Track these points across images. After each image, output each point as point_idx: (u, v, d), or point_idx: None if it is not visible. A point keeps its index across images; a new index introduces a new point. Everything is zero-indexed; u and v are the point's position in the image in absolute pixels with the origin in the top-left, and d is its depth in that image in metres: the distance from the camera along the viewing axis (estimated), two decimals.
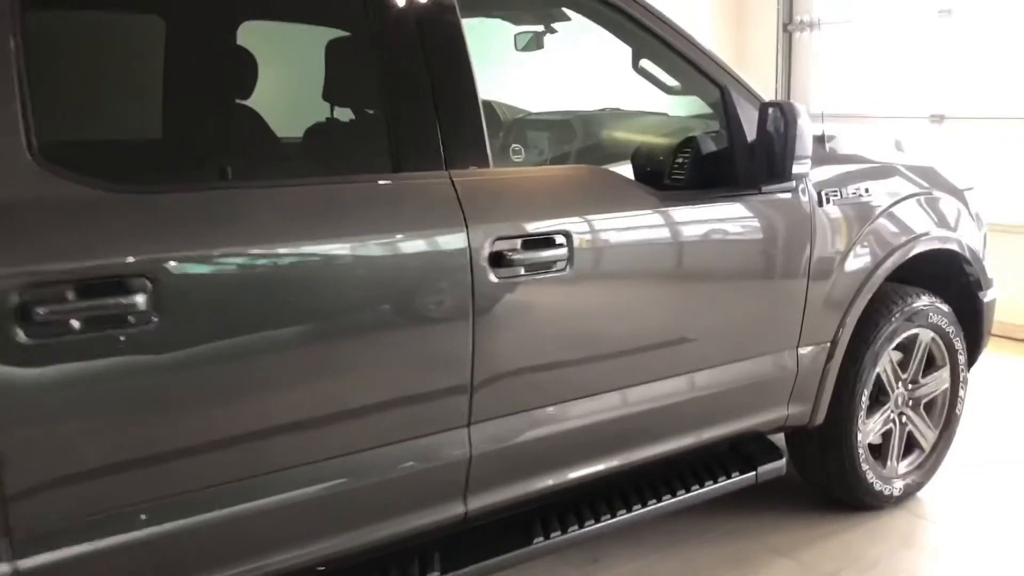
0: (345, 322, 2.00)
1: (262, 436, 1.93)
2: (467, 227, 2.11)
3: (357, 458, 2.07)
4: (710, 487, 2.75)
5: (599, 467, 2.51)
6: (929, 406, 3.36)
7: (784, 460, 2.95)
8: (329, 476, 2.03)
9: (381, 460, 2.11)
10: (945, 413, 3.40)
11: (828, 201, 2.85)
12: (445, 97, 2.16)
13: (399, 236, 2.04)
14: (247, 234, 1.87)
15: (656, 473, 2.73)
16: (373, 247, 2.01)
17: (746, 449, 2.92)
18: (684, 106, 3.19)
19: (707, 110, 2.90)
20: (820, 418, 3.01)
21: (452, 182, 2.14)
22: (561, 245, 2.26)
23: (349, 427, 2.05)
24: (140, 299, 1.72)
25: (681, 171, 2.69)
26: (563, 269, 2.27)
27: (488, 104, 3.44)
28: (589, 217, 2.35)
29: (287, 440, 1.97)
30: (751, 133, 2.61)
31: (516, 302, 2.21)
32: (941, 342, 3.30)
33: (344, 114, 2.52)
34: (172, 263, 1.76)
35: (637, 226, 2.46)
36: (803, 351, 2.89)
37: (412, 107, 2.13)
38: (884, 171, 3.13)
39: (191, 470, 1.86)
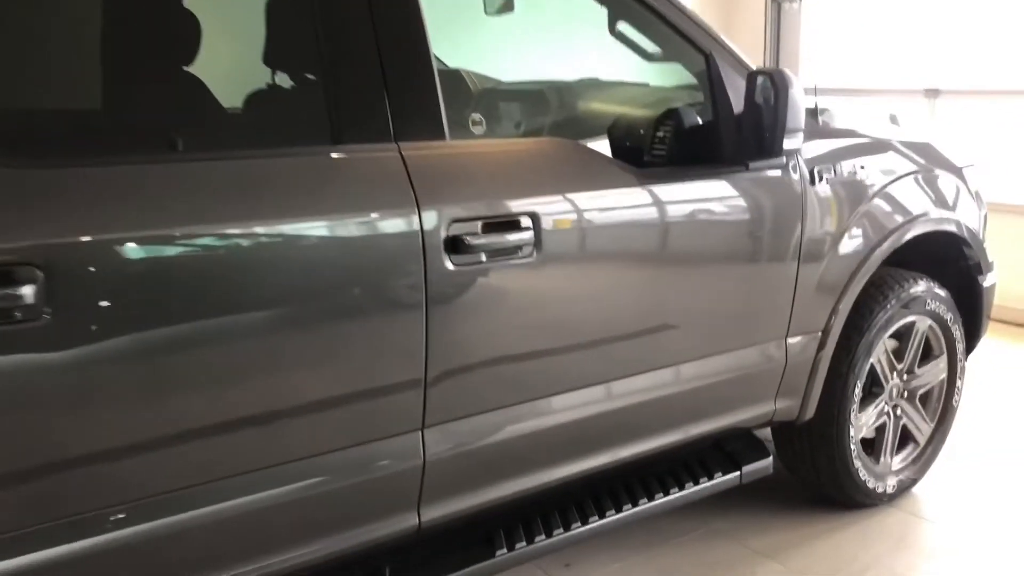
0: (276, 315, 1.77)
1: (176, 444, 1.69)
2: (418, 208, 1.88)
3: (292, 468, 1.84)
4: (691, 489, 2.55)
5: (568, 471, 2.29)
6: (925, 398, 3.17)
7: (771, 459, 2.76)
8: (260, 488, 1.81)
9: (322, 468, 1.88)
10: (941, 405, 3.21)
11: (821, 179, 2.64)
12: (393, 59, 1.92)
13: (337, 218, 1.80)
14: (160, 216, 1.63)
15: (632, 474, 2.52)
16: (307, 230, 1.77)
17: (730, 446, 2.72)
18: (668, 76, 2.96)
19: (692, 80, 2.67)
20: (810, 412, 2.81)
21: (401, 156, 1.90)
22: (527, 228, 2.03)
23: (282, 433, 1.82)
24: (28, 291, 1.48)
25: (662, 146, 2.48)
26: (529, 255, 2.04)
27: (456, 73, 3.22)
28: (559, 196, 2.12)
29: (209, 449, 1.73)
30: (738, 104, 2.39)
31: (476, 293, 1.99)
32: (939, 330, 3.10)
33: (285, 80, 2.27)
34: (68, 249, 1.53)
35: (612, 206, 2.23)
36: (792, 341, 2.68)
37: (354, 69, 1.89)
38: (880, 147, 2.92)
39: (90, 486, 1.63)
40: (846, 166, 2.72)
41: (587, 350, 2.24)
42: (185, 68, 2.14)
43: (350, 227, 1.82)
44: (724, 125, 2.40)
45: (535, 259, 2.05)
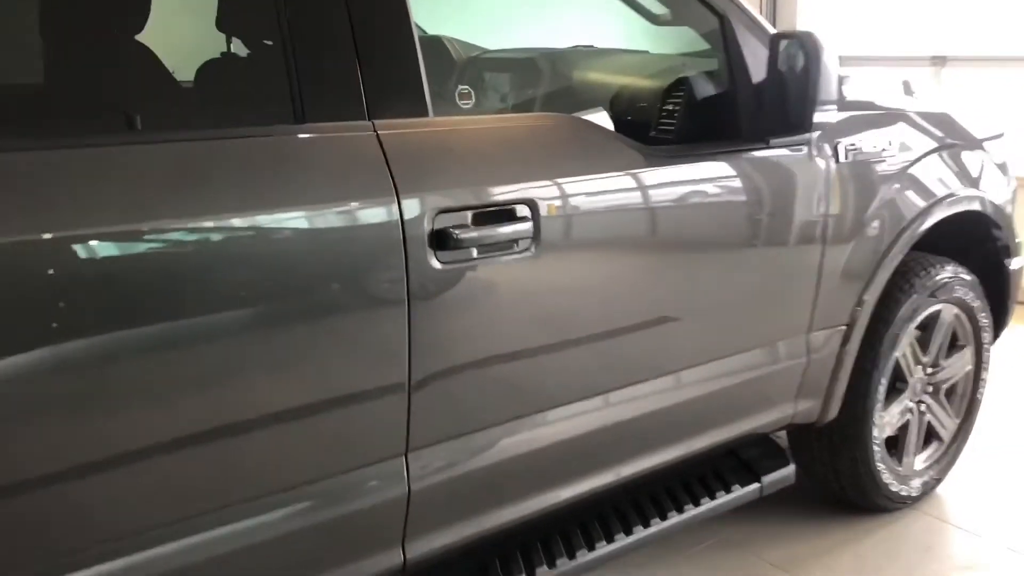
0: (226, 323, 1.47)
1: (106, 472, 1.40)
2: (398, 196, 1.59)
3: (253, 505, 1.57)
4: (707, 505, 2.30)
5: (573, 491, 2.04)
6: (949, 392, 2.92)
7: (793, 467, 2.51)
8: (215, 527, 1.53)
9: (290, 503, 1.61)
10: (967, 399, 2.96)
11: (846, 156, 2.37)
12: (367, 23, 1.63)
13: (302, 209, 1.51)
14: (91, 209, 1.34)
15: (642, 490, 2.26)
16: (266, 223, 1.48)
17: (746, 454, 2.47)
18: (672, 43, 2.69)
19: (701, 46, 2.39)
20: (833, 413, 2.56)
21: (377, 136, 1.62)
22: (524, 218, 1.75)
23: (240, 466, 1.54)
24: None
25: (670, 120, 2.23)
26: (527, 249, 1.76)
27: (437, 40, 2.92)
28: (560, 180, 1.84)
29: (147, 485, 1.45)
30: (758, 73, 2.12)
31: (466, 295, 1.71)
32: (965, 318, 2.85)
33: (242, 49, 1.97)
34: None
35: (619, 189, 1.95)
36: (815, 336, 2.42)
37: (321, 36, 1.59)
38: (904, 120, 2.64)
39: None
40: (872, 141, 2.45)
41: (595, 357, 1.98)
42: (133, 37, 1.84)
43: (317, 219, 1.53)
44: (742, 96, 2.17)
45: (534, 254, 1.77)
